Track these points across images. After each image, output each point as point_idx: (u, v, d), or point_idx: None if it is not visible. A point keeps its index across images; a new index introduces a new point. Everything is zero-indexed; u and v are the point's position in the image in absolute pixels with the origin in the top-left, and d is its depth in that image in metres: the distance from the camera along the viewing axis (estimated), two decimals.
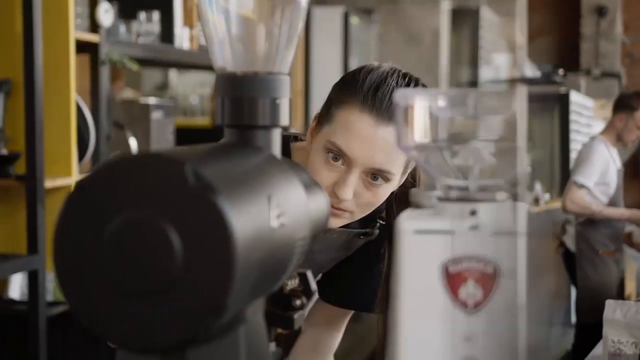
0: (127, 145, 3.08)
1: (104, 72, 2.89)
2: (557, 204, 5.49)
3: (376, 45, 5.86)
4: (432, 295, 0.67)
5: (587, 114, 7.32)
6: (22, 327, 2.60)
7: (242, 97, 0.77)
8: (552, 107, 6.94)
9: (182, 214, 0.60)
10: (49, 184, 2.55)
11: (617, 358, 1.89)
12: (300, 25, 0.81)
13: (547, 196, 6.19)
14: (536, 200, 5.62)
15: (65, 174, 2.64)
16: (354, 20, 5.30)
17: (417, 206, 0.75)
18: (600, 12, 7.76)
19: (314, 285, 0.87)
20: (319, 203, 0.84)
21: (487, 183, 0.70)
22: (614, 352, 1.89)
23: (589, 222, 4.40)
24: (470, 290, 0.67)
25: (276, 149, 0.79)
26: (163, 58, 3.44)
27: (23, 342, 2.60)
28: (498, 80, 5.94)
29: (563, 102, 7.03)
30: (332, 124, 1.29)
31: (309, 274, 0.86)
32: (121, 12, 3.18)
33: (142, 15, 3.27)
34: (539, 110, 6.36)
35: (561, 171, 7.16)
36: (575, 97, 7.08)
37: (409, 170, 1.35)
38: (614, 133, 4.48)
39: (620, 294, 4.38)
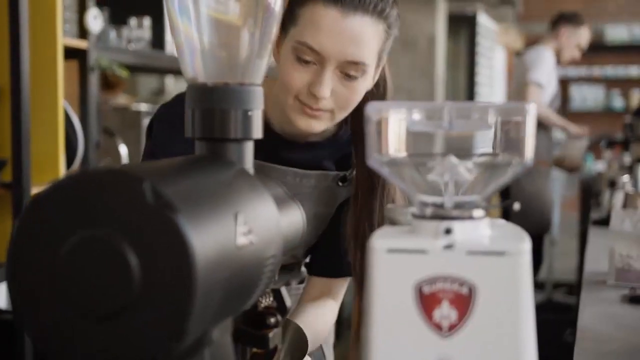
0: (117, 152, 3.05)
1: (93, 79, 2.86)
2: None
3: None
4: (406, 316, 0.65)
5: (491, 38, 7.37)
6: (8, 336, 2.57)
7: (212, 109, 0.74)
8: (459, 28, 6.96)
9: (140, 232, 0.57)
10: (36, 191, 2.51)
11: (625, 274, 1.77)
12: (274, 32, 0.79)
13: None
14: None
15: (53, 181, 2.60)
16: None
17: (393, 223, 0.73)
18: None
19: (288, 302, 0.84)
20: (292, 218, 0.81)
21: (464, 199, 0.67)
22: (622, 267, 1.77)
23: None
24: (444, 312, 0.64)
25: (248, 162, 0.76)
26: (154, 64, 3.41)
27: (9, 351, 2.57)
28: None
29: (471, 24, 7.03)
30: (297, 25, 1.27)
31: (283, 290, 0.83)
32: (112, 18, 3.15)
33: (133, 21, 3.24)
34: (449, 31, 6.37)
35: (467, 94, 7.18)
36: (482, 20, 7.08)
37: (382, 64, 1.34)
38: (555, 46, 4.53)
39: None
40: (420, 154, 0.69)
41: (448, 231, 0.65)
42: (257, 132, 0.76)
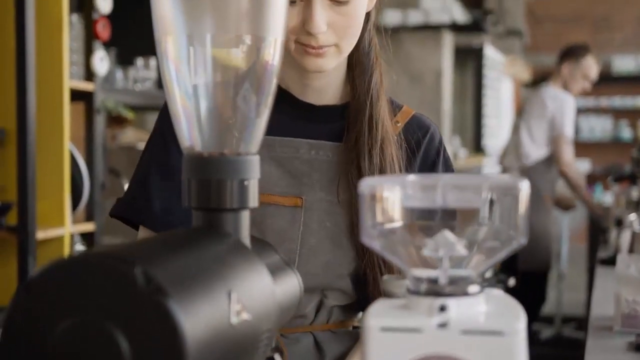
0: (123, 193, 3.05)
1: (99, 120, 2.87)
2: (475, 160, 5.83)
3: None
4: None
5: (498, 69, 7.40)
6: None
7: (209, 179, 0.74)
8: (465, 60, 6.95)
9: (132, 317, 0.57)
10: (41, 235, 2.52)
11: (631, 320, 1.72)
12: (273, 86, 0.77)
13: (463, 151, 6.24)
14: (454, 156, 5.73)
15: (58, 225, 2.60)
16: None
17: (389, 295, 0.72)
18: None
19: None
20: (288, 287, 0.81)
21: (458, 274, 0.67)
22: (628, 313, 1.72)
23: (535, 166, 4.49)
24: None
25: (244, 231, 0.76)
26: (160, 104, 3.42)
27: None
28: (428, 24, 5.80)
29: (477, 56, 7.03)
30: None
31: (277, 358, 0.83)
32: (119, 58, 3.17)
33: (140, 61, 3.26)
34: (455, 64, 6.38)
35: (474, 126, 7.15)
36: (489, 52, 7.08)
37: None
38: (561, 82, 4.58)
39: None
40: (414, 228, 0.69)
41: (442, 308, 0.64)
42: (254, 201, 0.76)
